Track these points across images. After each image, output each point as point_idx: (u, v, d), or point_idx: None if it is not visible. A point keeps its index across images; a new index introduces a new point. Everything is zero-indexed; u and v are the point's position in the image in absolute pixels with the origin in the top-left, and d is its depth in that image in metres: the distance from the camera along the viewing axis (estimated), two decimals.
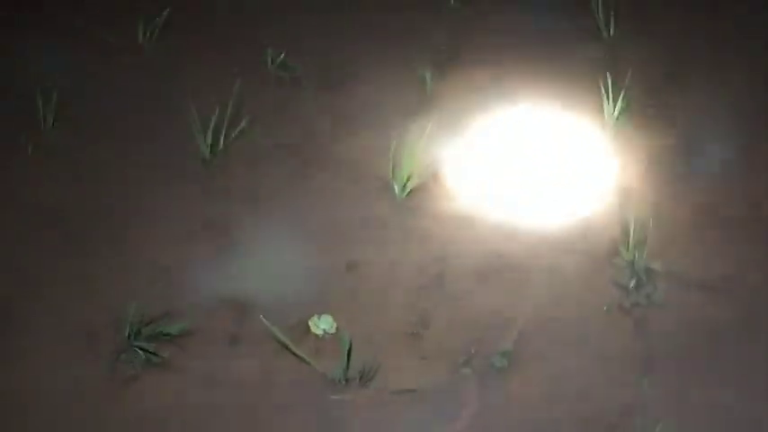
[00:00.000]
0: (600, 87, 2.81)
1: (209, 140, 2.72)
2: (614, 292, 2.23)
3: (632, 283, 2.23)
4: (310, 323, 2.19)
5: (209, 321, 2.21)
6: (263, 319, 2.11)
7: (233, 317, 2.23)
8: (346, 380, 2.05)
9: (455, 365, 2.08)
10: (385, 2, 3.42)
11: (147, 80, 3.04)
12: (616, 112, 2.76)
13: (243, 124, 2.81)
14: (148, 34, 3.15)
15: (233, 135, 2.77)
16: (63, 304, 2.26)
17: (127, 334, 2.16)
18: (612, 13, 3.12)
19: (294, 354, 2.09)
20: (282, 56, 3.12)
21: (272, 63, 3.10)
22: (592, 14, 3.15)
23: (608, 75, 2.80)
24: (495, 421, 1.96)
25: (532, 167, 2.64)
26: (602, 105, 2.77)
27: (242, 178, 2.68)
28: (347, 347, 2.03)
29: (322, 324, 2.19)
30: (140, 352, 2.13)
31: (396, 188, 2.58)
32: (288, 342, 2.10)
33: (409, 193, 2.57)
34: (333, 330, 2.18)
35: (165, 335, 2.16)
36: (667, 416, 1.79)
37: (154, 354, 2.11)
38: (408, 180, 2.57)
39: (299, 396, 2.04)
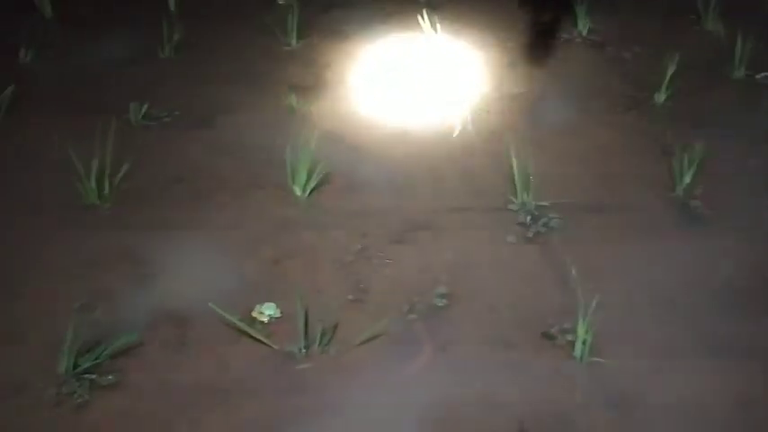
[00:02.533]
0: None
1: (94, 186, 2.70)
2: (517, 228, 2.52)
3: (528, 219, 2.53)
4: (254, 313, 2.23)
5: (149, 337, 2.18)
6: (214, 307, 2.11)
7: (172, 330, 2.21)
8: (307, 348, 2.11)
9: (402, 314, 2.22)
10: (227, 53, 3.64)
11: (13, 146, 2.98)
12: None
13: (125, 168, 2.82)
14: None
15: (117, 180, 2.77)
16: None
17: (64, 369, 2.07)
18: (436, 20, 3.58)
19: (251, 336, 2.12)
20: (146, 107, 3.19)
21: (136, 116, 3.16)
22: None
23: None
24: (451, 349, 2.12)
25: (408, 152, 2.94)
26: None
27: (139, 214, 2.67)
28: (303, 319, 2.10)
29: (266, 311, 2.23)
30: (83, 379, 2.04)
31: (297, 191, 2.72)
32: (243, 326, 2.13)
33: (310, 193, 2.72)
34: (278, 315, 2.24)
35: (106, 358, 2.09)
36: (593, 310, 2.07)
37: (96, 375, 2.04)
38: (307, 182, 2.72)
39: (263, 376, 2.06)
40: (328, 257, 2.45)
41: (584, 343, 2.04)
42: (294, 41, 3.69)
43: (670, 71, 3.11)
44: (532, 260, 2.40)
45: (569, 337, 2.11)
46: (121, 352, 2.12)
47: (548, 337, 2.13)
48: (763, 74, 3.25)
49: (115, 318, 2.23)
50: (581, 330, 2.04)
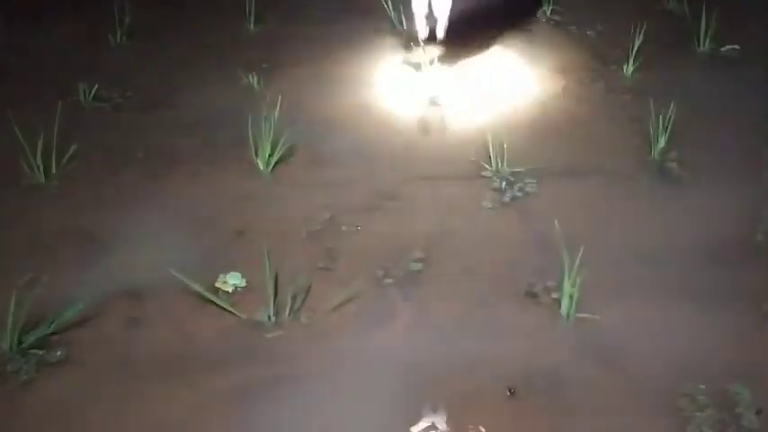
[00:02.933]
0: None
1: (40, 165, 2.53)
2: (492, 194, 2.42)
3: (503, 185, 2.44)
4: (217, 284, 2.08)
5: (103, 311, 2.00)
6: (174, 273, 1.95)
7: (129, 304, 2.04)
8: (276, 315, 1.96)
9: (377, 280, 2.09)
10: (182, 36, 3.50)
11: None
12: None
13: (73, 148, 2.65)
14: None
15: (64, 159, 2.60)
16: None
17: (8, 346, 1.89)
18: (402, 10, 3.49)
19: (216, 305, 1.96)
20: (96, 88, 3.03)
21: (85, 96, 3.00)
22: (384, 14, 3.51)
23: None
24: (431, 311, 2.00)
25: (374, 126, 2.83)
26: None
27: (89, 193, 2.50)
28: (272, 285, 1.96)
29: (231, 280, 2.08)
30: (30, 355, 1.86)
31: (260, 165, 2.58)
32: (207, 295, 1.97)
33: (274, 166, 2.59)
34: (243, 284, 2.09)
35: (52, 332, 1.91)
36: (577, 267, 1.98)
37: (44, 351, 1.86)
38: (271, 156, 2.59)
39: (231, 346, 1.91)
40: (295, 227, 2.31)
41: (570, 298, 1.94)
42: (252, 24, 3.57)
43: (637, 44, 3.08)
44: (510, 223, 2.30)
45: (554, 295, 2.01)
46: (72, 326, 1.95)
47: (531, 296, 2.03)
48: (728, 46, 3.24)
49: (64, 294, 2.05)
50: (567, 286, 1.94)
